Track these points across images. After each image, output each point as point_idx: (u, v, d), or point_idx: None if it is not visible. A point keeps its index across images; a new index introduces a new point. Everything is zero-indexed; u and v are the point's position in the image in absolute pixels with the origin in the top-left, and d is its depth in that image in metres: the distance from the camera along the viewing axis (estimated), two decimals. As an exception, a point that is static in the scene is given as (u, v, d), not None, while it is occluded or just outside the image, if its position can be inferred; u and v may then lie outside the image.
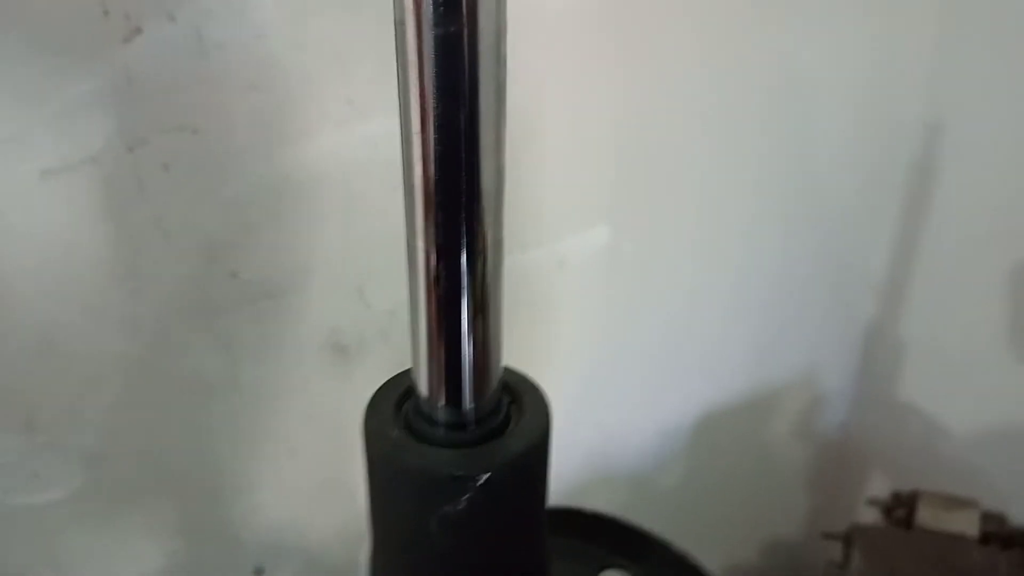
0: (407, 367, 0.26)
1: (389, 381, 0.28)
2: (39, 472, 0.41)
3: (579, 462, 0.71)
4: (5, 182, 0.35)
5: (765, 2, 0.63)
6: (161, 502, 0.47)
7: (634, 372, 0.72)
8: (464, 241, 0.22)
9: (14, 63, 0.34)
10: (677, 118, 0.61)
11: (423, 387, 0.25)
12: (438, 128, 0.21)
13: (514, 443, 0.25)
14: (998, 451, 0.84)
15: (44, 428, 0.40)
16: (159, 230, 0.40)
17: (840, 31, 0.70)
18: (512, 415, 0.27)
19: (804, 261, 0.81)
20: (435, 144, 0.21)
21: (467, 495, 0.24)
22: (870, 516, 0.77)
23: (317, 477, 0.52)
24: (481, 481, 0.24)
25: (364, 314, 0.49)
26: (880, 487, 0.93)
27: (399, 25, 0.20)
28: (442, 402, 0.25)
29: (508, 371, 0.28)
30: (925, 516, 0.69)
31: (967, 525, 0.67)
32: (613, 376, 0.70)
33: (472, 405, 0.25)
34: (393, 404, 0.27)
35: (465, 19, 0.19)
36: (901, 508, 0.72)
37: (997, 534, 0.67)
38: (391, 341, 0.51)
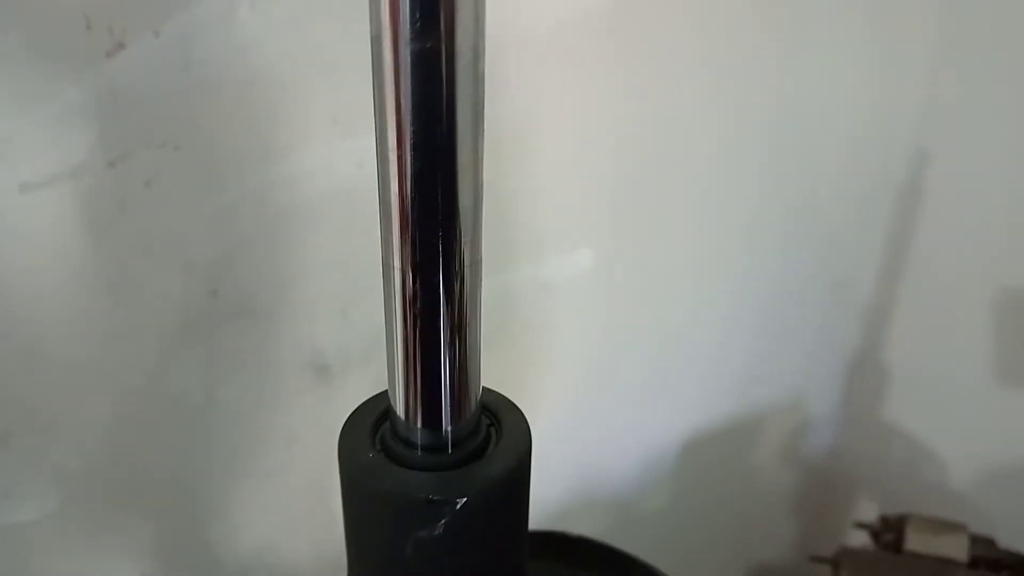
0: (389, 389, 0.26)
1: (366, 402, 0.27)
2: (10, 491, 0.40)
3: (564, 486, 0.71)
4: (-17, 196, 0.35)
5: (761, 27, 0.64)
6: (138, 523, 0.46)
7: (621, 395, 0.72)
8: (441, 260, 0.22)
9: (-8, 77, 0.33)
10: (675, 141, 0.62)
11: (400, 408, 0.25)
12: (414, 146, 0.20)
13: (493, 466, 0.25)
14: (985, 475, 0.84)
15: (19, 446, 0.39)
16: (140, 247, 0.39)
17: (837, 59, 0.71)
18: (492, 437, 0.26)
19: (792, 286, 0.82)
20: (411, 162, 0.21)
21: (444, 519, 0.23)
22: (858, 540, 0.77)
23: (296, 499, 0.51)
24: (459, 505, 0.23)
25: (347, 335, 0.49)
26: (867, 511, 0.92)
27: (375, 41, 0.20)
28: (419, 424, 0.24)
29: (488, 392, 0.27)
30: (914, 540, 0.69)
31: (956, 549, 0.67)
32: (599, 399, 0.70)
33: (450, 427, 0.25)
34: (370, 426, 0.26)
35: (443, 35, 0.19)
36: (889, 532, 0.72)
37: (986, 558, 0.67)
38: (375, 362, 0.50)
